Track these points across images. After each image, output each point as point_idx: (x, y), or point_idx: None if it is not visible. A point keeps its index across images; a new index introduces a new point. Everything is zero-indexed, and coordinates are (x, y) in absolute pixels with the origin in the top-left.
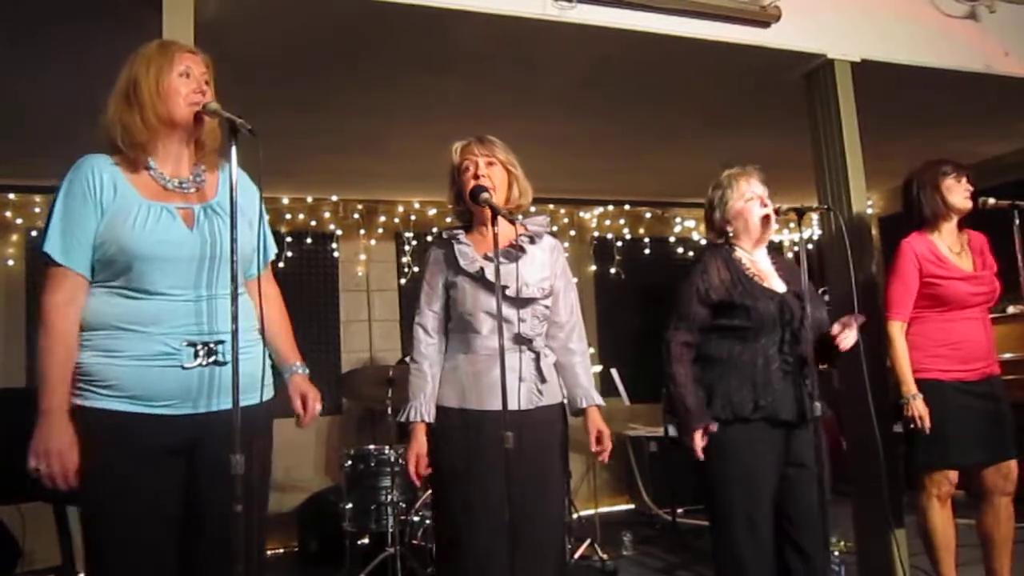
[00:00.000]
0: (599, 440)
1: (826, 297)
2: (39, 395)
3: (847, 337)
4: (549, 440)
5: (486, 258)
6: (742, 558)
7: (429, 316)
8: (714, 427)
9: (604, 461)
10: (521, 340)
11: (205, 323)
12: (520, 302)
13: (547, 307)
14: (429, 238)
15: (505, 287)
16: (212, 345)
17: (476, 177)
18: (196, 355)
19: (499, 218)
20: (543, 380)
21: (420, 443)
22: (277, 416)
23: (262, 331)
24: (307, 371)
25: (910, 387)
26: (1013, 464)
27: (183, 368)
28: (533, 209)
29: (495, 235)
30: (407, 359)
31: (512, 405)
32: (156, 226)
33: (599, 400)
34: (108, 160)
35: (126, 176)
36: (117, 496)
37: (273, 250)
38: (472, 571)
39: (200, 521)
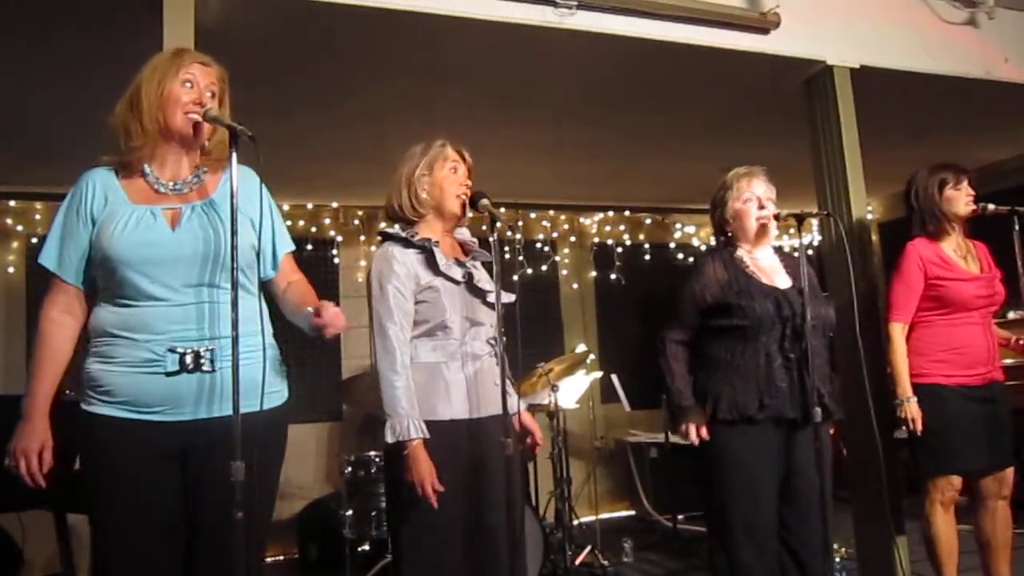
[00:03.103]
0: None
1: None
2: (26, 393)
3: None
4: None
5: (458, 263)
6: (740, 563)
7: (404, 324)
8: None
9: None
10: (495, 344)
11: (196, 328)
12: (502, 307)
13: None
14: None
15: (488, 292)
16: (200, 351)
17: (466, 184)
18: (180, 362)
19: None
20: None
21: (428, 459)
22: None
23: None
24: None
25: (905, 389)
26: (1010, 470)
27: (165, 375)
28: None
29: (493, 243)
30: (386, 370)
31: (499, 409)
32: (136, 229)
33: None
34: (106, 170)
35: (121, 183)
36: (117, 499)
37: (288, 244)
38: None
39: (198, 527)
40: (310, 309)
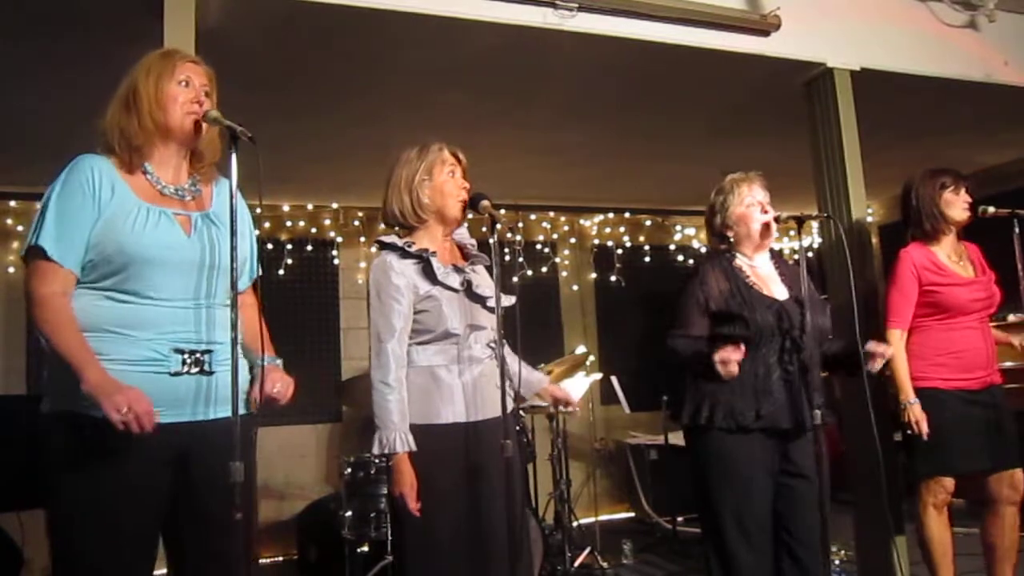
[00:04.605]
0: None
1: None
2: (78, 373)
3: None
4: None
5: (456, 269)
6: (735, 563)
7: (401, 337)
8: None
9: None
10: (496, 347)
11: (195, 331)
12: (502, 310)
13: None
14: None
15: (487, 298)
16: (200, 354)
17: (465, 187)
18: (184, 363)
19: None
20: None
21: (411, 472)
22: (277, 423)
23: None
24: (281, 363)
25: (908, 394)
26: (1019, 473)
27: (170, 375)
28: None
29: (493, 245)
30: (379, 382)
31: (499, 411)
32: (156, 229)
33: None
34: (105, 160)
35: (123, 177)
36: (102, 504)
37: (257, 269)
38: None
39: (191, 530)
40: (260, 364)
